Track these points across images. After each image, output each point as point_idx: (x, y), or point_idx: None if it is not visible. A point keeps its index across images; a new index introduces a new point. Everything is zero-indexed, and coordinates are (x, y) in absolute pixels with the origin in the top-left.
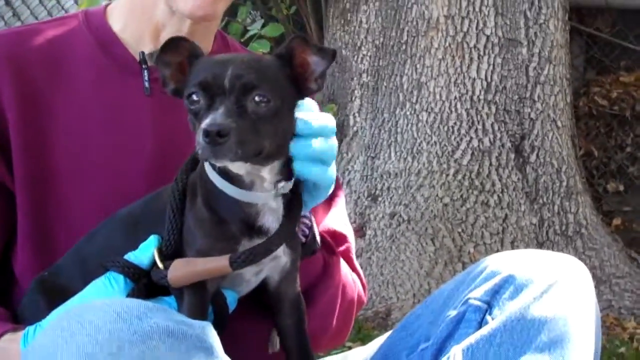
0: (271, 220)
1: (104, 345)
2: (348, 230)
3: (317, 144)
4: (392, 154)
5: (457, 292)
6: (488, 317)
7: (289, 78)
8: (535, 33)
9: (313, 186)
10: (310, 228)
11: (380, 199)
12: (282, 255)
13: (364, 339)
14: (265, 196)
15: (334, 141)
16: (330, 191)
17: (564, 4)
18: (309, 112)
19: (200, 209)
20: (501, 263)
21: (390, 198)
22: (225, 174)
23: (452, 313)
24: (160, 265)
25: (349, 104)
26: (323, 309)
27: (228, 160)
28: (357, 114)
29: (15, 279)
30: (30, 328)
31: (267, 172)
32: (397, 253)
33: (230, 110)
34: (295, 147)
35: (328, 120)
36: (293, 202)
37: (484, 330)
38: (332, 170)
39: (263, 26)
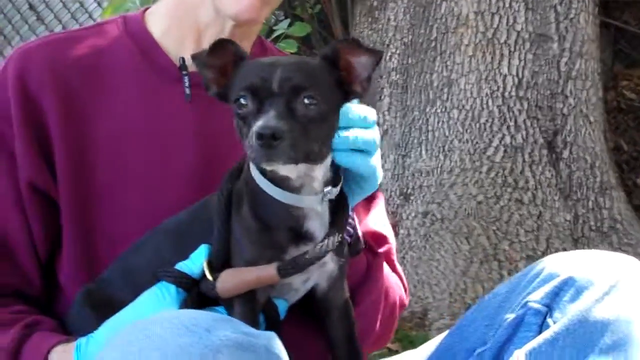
0: (317, 225)
1: (174, 359)
2: (389, 232)
3: (355, 133)
4: (423, 152)
5: (514, 295)
6: (549, 320)
7: (335, 80)
8: (566, 28)
9: (359, 178)
10: (354, 228)
11: (412, 197)
12: (329, 262)
13: (402, 340)
14: (312, 200)
15: (374, 132)
16: (379, 181)
17: None
18: (348, 105)
19: (246, 218)
20: (559, 265)
21: (423, 196)
22: (272, 179)
23: (510, 316)
24: (209, 276)
25: (377, 103)
26: (366, 312)
27: (281, 163)
28: (386, 113)
29: (60, 289)
30: (82, 339)
31: (318, 174)
32: (431, 252)
33: (281, 112)
34: (335, 139)
35: (368, 112)
36: (339, 208)
37: (547, 334)
38: (376, 160)
39: (289, 25)
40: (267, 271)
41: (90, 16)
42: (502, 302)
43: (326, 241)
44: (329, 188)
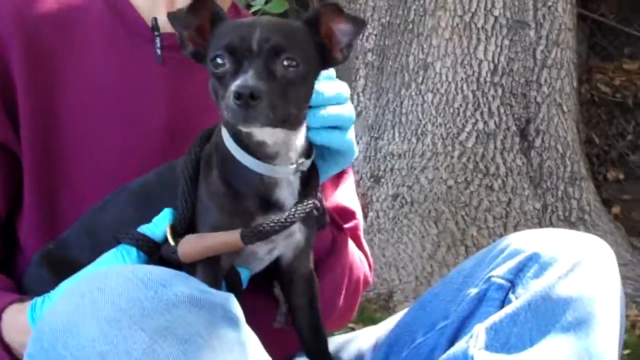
0: (287, 194)
1: (127, 312)
2: (357, 207)
3: (330, 110)
4: (396, 135)
5: (478, 271)
6: (511, 296)
7: (315, 46)
8: (544, 15)
9: (335, 152)
10: (320, 201)
11: (383, 180)
12: (296, 232)
13: (365, 321)
14: (285, 170)
15: (349, 107)
16: (354, 156)
17: None
18: (320, 82)
19: (214, 182)
20: (525, 241)
21: (394, 179)
22: (247, 145)
23: (473, 291)
24: (171, 241)
25: (353, 83)
26: (330, 287)
27: (258, 125)
28: (361, 94)
29: (19, 246)
30: (39, 299)
31: (296, 142)
32: (399, 235)
33: (260, 72)
34: (309, 117)
35: (341, 88)
36: (310, 179)
37: (508, 309)
38: (351, 135)
39: (267, 2)
40: (231, 237)
41: None
42: (466, 277)
43: (293, 210)
44: (302, 160)
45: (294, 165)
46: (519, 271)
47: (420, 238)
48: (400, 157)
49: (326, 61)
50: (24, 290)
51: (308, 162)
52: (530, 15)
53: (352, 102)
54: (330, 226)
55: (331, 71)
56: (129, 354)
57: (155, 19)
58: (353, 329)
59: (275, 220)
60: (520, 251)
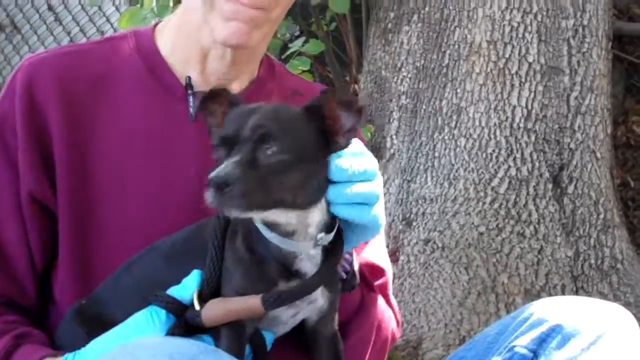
0: (309, 265)
1: None
2: (386, 264)
3: (355, 188)
4: (429, 179)
5: (502, 338)
6: None
7: (318, 131)
8: (578, 61)
9: (362, 226)
10: (351, 264)
11: (414, 223)
12: (319, 297)
13: None
14: (304, 245)
15: (375, 184)
16: (380, 229)
17: (608, 32)
18: (346, 158)
19: (239, 249)
20: (548, 311)
21: (425, 224)
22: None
23: (497, 359)
24: (197, 306)
25: (386, 126)
26: (357, 345)
27: (236, 210)
28: (394, 136)
29: (54, 302)
30: (69, 355)
31: (312, 220)
32: (430, 281)
33: (242, 160)
34: (330, 194)
35: (367, 164)
36: (333, 249)
37: None
38: (377, 210)
39: (304, 43)
40: (252, 302)
41: (108, 20)
42: (491, 343)
43: (315, 277)
44: (322, 235)
45: (313, 241)
46: (542, 342)
47: (450, 284)
48: (432, 202)
49: (330, 145)
50: (57, 345)
51: (328, 237)
52: (565, 61)
53: (385, 145)
54: (360, 284)
55: (360, 146)
56: None
57: (189, 77)
58: None
59: (296, 287)
60: (543, 321)
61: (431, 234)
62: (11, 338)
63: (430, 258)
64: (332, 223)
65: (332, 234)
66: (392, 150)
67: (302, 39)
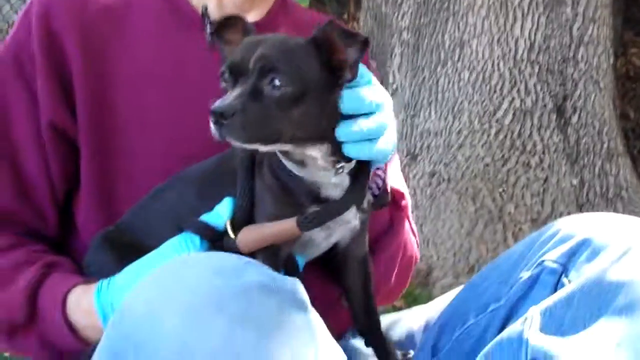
0: (336, 192)
1: (205, 300)
2: (405, 188)
3: (360, 125)
4: (433, 113)
5: (529, 254)
6: (564, 280)
7: (324, 64)
8: None
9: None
10: (383, 180)
11: (420, 157)
12: (352, 218)
13: (406, 297)
14: (323, 174)
15: (380, 117)
16: (391, 154)
17: None
18: (356, 90)
19: (266, 176)
20: (576, 226)
21: (430, 157)
22: None
23: (526, 274)
24: (231, 234)
25: (388, 61)
26: (385, 264)
27: (234, 141)
28: (396, 72)
29: (77, 229)
30: (104, 282)
31: (316, 154)
32: (437, 212)
33: (245, 91)
34: (340, 131)
35: (377, 96)
36: (360, 171)
37: (562, 293)
38: (382, 144)
39: None
40: (288, 225)
41: None
42: (517, 260)
43: (347, 198)
44: (342, 164)
45: (333, 170)
46: (572, 255)
47: (457, 215)
48: (436, 135)
49: (337, 79)
50: (86, 271)
51: (349, 165)
52: None
53: (388, 80)
54: (390, 204)
55: (368, 76)
56: (209, 340)
57: (206, 7)
58: (394, 306)
59: (329, 207)
60: (571, 236)
61: (437, 166)
62: (40, 267)
63: (437, 190)
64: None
65: (353, 162)
66: (394, 86)
67: None
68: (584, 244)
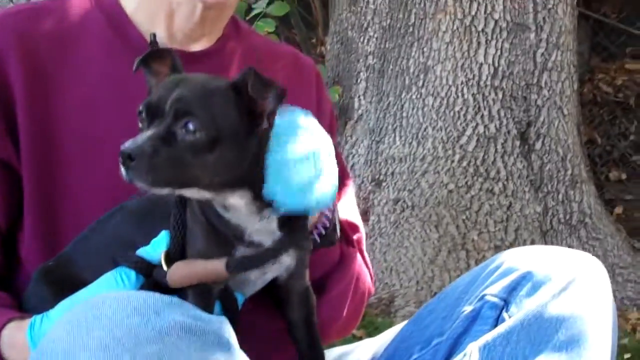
0: (261, 236)
1: (121, 340)
2: (358, 220)
3: (292, 180)
4: (397, 139)
5: (472, 288)
6: (505, 314)
7: (242, 110)
8: (544, 18)
9: None
10: (331, 219)
11: (384, 184)
12: (286, 258)
13: (367, 326)
14: (247, 219)
15: (315, 165)
16: (331, 204)
17: None
18: (284, 143)
19: (196, 212)
20: (518, 259)
21: (395, 183)
22: None
23: (468, 309)
24: (164, 267)
25: (354, 86)
26: (335, 299)
27: (142, 184)
28: (362, 97)
29: (20, 262)
30: (37, 317)
31: (237, 201)
32: (400, 239)
33: (157, 134)
34: (268, 189)
35: (309, 145)
36: (294, 220)
37: (501, 328)
38: (320, 192)
39: (268, 4)
40: (216, 266)
41: None
42: (461, 293)
43: (276, 247)
44: (266, 212)
45: (257, 215)
46: (513, 290)
47: (421, 242)
48: (401, 161)
49: (255, 125)
50: (24, 307)
51: (274, 217)
52: (531, 18)
53: (353, 106)
54: (339, 240)
55: (298, 121)
56: None
57: (154, 34)
58: (354, 335)
59: (260, 253)
60: (513, 269)
61: (401, 193)
62: None
63: (401, 217)
64: None
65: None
66: (360, 111)
67: (266, 0)
68: (524, 277)
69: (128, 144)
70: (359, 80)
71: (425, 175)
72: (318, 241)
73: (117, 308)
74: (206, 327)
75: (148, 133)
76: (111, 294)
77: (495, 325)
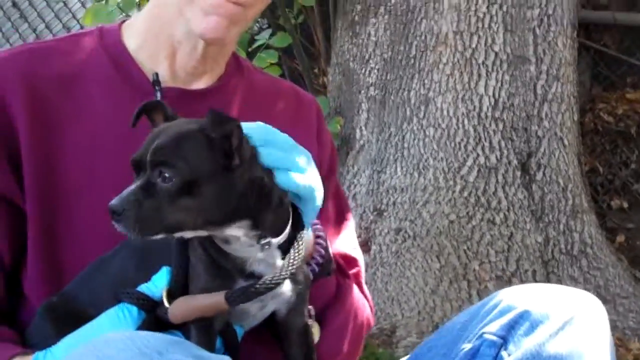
0: (262, 267)
1: None
2: (358, 254)
3: (294, 157)
4: (399, 169)
5: (471, 325)
6: (503, 353)
7: (216, 149)
8: (544, 50)
9: (299, 200)
10: (326, 250)
11: (385, 213)
12: (286, 290)
13: (368, 357)
14: (248, 250)
15: (306, 176)
16: (319, 201)
17: (573, 21)
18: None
19: (197, 247)
20: (516, 298)
21: (396, 213)
22: None
23: (467, 346)
24: (166, 303)
25: (355, 117)
26: (334, 333)
27: (132, 234)
28: (363, 128)
29: (24, 298)
30: (40, 353)
31: (236, 233)
32: (402, 269)
33: (139, 186)
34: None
35: (304, 180)
36: (292, 245)
37: None
38: (308, 181)
39: (271, 36)
40: (216, 299)
41: (74, 16)
42: (460, 330)
43: (277, 274)
44: (268, 240)
45: (258, 246)
46: (511, 328)
47: (422, 272)
48: (402, 191)
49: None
50: (28, 343)
51: (276, 240)
52: (531, 50)
53: (355, 136)
54: (335, 273)
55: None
56: None
57: (157, 74)
58: None
59: (260, 284)
60: (512, 308)
61: (402, 223)
62: None
63: (402, 247)
64: (282, 225)
65: (281, 237)
66: (361, 142)
67: (269, 31)
68: (522, 316)
69: (114, 200)
70: (360, 111)
71: (427, 205)
72: (317, 271)
73: (121, 348)
74: None
75: (132, 187)
76: (115, 334)
77: None
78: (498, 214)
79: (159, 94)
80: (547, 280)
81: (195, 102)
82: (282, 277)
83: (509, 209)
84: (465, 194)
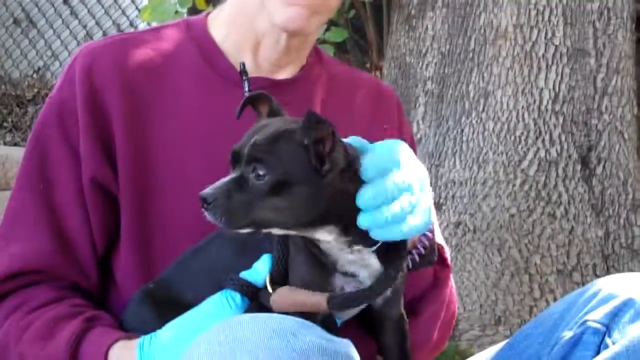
0: (355, 267)
1: None
2: (443, 242)
3: (386, 212)
4: (457, 163)
5: (570, 314)
6: (607, 340)
7: (312, 151)
8: (604, 43)
9: None
10: (430, 240)
11: (444, 207)
12: None
13: None
14: (338, 252)
15: (410, 197)
16: (427, 226)
17: (633, 14)
18: (371, 186)
19: (297, 237)
20: (618, 286)
21: (455, 207)
22: None
23: (568, 334)
24: (270, 289)
25: (412, 111)
26: (428, 322)
27: (220, 225)
28: (421, 121)
29: (115, 284)
30: (145, 338)
31: (325, 237)
32: (462, 263)
33: (232, 180)
34: (362, 220)
35: (403, 178)
36: (393, 250)
37: (606, 354)
38: (413, 221)
39: (325, 30)
40: (318, 300)
41: (124, 12)
42: (558, 320)
43: (379, 282)
44: (359, 247)
45: (348, 249)
46: (614, 316)
47: (483, 266)
48: (461, 185)
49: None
50: (124, 328)
51: (367, 250)
52: (591, 43)
53: (412, 129)
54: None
55: (389, 157)
56: None
57: (243, 64)
58: None
59: (361, 291)
60: (614, 296)
61: (462, 216)
62: (82, 321)
63: (462, 241)
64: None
65: (374, 248)
66: (419, 135)
67: (324, 26)
68: (626, 304)
69: (206, 189)
70: (417, 105)
71: (487, 199)
72: (417, 260)
73: (257, 330)
74: (338, 348)
75: (226, 179)
76: (247, 316)
77: (598, 351)
78: (558, 207)
79: (246, 84)
80: (607, 274)
81: (281, 91)
82: (383, 288)
83: (569, 202)
84: (526, 187)
